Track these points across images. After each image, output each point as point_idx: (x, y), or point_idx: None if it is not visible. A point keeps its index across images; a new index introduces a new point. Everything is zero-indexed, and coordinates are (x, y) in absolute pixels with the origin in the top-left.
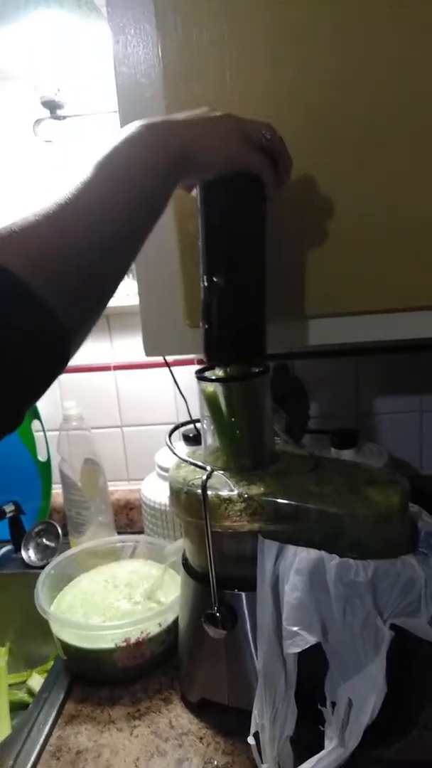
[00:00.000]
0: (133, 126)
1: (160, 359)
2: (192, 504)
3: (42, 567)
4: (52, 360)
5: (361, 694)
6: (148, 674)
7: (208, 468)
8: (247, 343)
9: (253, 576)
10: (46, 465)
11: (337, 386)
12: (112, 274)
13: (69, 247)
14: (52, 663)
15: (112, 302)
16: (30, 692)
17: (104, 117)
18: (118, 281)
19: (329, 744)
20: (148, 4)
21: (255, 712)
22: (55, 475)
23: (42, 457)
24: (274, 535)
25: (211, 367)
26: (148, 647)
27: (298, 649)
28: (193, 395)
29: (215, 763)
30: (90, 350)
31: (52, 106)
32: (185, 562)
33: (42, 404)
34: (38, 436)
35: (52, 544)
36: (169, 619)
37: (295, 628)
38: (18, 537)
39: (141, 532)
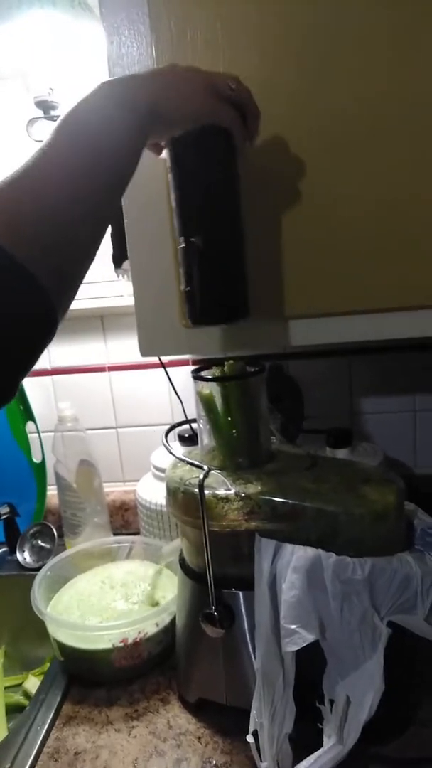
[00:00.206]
0: (97, 84)
1: (154, 360)
2: (189, 503)
3: (37, 569)
4: (40, 325)
5: (359, 692)
6: (146, 674)
7: (205, 467)
8: (230, 302)
9: (250, 575)
10: (41, 466)
11: (331, 386)
12: (88, 234)
13: (41, 211)
14: (48, 665)
15: (106, 303)
16: (26, 695)
17: None
18: (96, 241)
19: (328, 742)
20: (143, 5)
21: (253, 711)
22: (50, 477)
23: (37, 458)
24: (272, 534)
25: (206, 367)
26: (146, 647)
27: (296, 647)
28: (188, 395)
29: (214, 762)
30: (84, 351)
31: (45, 107)
32: (182, 562)
33: (36, 405)
34: (33, 437)
35: (48, 546)
36: (167, 619)
37: (293, 626)
38: (13, 539)
39: (137, 533)
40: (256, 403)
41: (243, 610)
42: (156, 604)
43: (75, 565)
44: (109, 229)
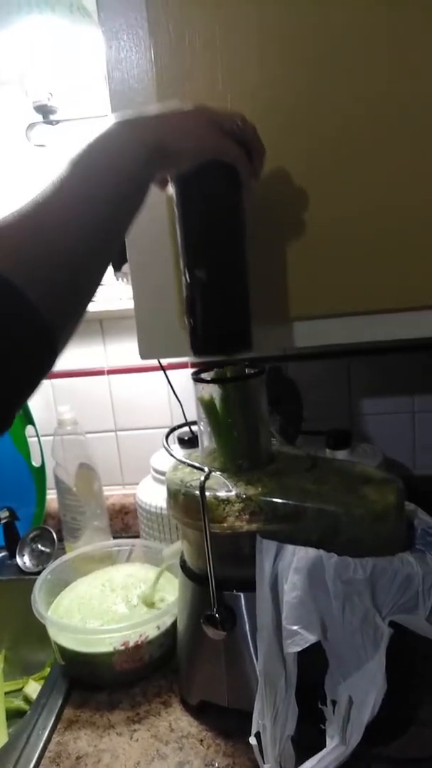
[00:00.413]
0: (108, 122)
1: (153, 363)
2: (190, 505)
3: (37, 573)
4: (39, 356)
5: (361, 692)
6: (147, 678)
7: (206, 469)
8: (232, 336)
9: (251, 576)
10: (41, 470)
11: (330, 388)
12: (93, 269)
13: (49, 244)
14: (48, 670)
15: (105, 306)
16: (26, 699)
17: (97, 122)
18: (100, 276)
19: (331, 742)
20: (141, 10)
21: (256, 713)
22: (50, 481)
23: (36, 462)
24: (273, 535)
25: (207, 369)
26: (147, 650)
27: (299, 648)
28: (187, 398)
29: (216, 765)
30: (83, 354)
31: (44, 111)
32: (183, 564)
33: (36, 409)
34: (32, 441)
35: (48, 550)
36: (168, 621)
37: (294, 627)
38: (13, 543)
39: (137, 536)
40: (256, 404)
41: (244, 612)
42: (157, 606)
43: (75, 568)
44: None
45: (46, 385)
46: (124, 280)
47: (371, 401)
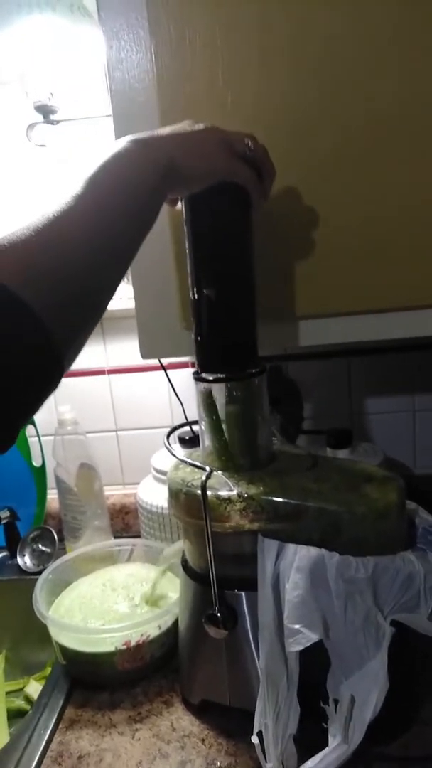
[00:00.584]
0: (121, 142)
1: (154, 362)
2: (191, 505)
3: (38, 573)
4: (45, 372)
5: (363, 691)
6: (149, 677)
7: (207, 468)
8: (239, 354)
9: (252, 576)
10: (41, 470)
11: (331, 387)
12: (103, 287)
13: (59, 261)
14: (49, 670)
15: None
16: (27, 699)
17: (98, 121)
18: (110, 293)
19: (333, 741)
20: (142, 10)
21: (258, 712)
22: (51, 481)
23: (37, 462)
24: (274, 534)
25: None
26: (148, 650)
27: (300, 647)
28: (188, 397)
29: (218, 764)
30: (84, 354)
31: (45, 111)
32: (185, 564)
33: None
34: (33, 441)
35: (48, 550)
36: (169, 621)
37: (296, 626)
38: (13, 543)
39: (137, 536)
40: (258, 403)
41: (246, 611)
42: (158, 606)
43: (76, 568)
44: None
45: None
46: (125, 280)
47: (372, 400)
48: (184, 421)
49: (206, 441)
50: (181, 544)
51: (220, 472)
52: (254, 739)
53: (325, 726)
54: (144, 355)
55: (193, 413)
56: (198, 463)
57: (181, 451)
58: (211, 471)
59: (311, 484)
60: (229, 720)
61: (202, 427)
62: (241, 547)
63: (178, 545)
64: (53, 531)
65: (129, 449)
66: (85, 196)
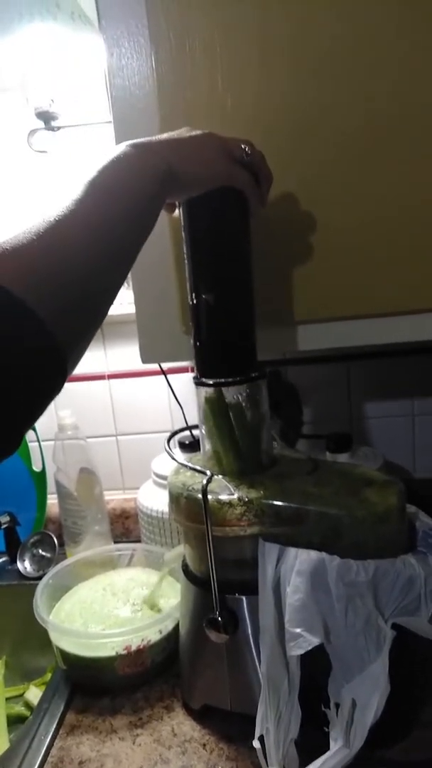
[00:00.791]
0: (120, 147)
1: (154, 367)
2: (192, 509)
3: (38, 578)
4: (48, 376)
5: (364, 695)
6: (149, 682)
7: (208, 472)
8: (238, 358)
9: (253, 580)
10: (41, 475)
11: (330, 391)
12: (105, 290)
13: (60, 265)
14: (49, 675)
15: None
16: (27, 705)
17: (98, 128)
18: (112, 297)
19: (334, 745)
20: (142, 17)
21: (259, 716)
22: (51, 485)
23: (37, 467)
24: (275, 538)
25: None
26: (149, 655)
27: (302, 651)
28: (188, 402)
29: None
30: (84, 359)
31: (46, 118)
32: (185, 568)
33: None
34: (33, 446)
35: (48, 555)
36: (170, 626)
37: (297, 630)
38: (13, 548)
39: (137, 541)
40: (258, 408)
41: (247, 615)
42: (159, 611)
43: (76, 573)
44: None
45: None
46: (126, 284)
47: (371, 404)
48: (184, 425)
49: (206, 445)
50: (182, 549)
51: (220, 477)
52: (256, 744)
53: (326, 730)
54: (144, 360)
55: (193, 418)
56: (199, 468)
57: (181, 456)
58: (212, 475)
59: (312, 488)
60: (230, 725)
61: (203, 431)
62: (241, 551)
63: (178, 550)
64: (53, 536)
65: (129, 454)
66: (85, 201)
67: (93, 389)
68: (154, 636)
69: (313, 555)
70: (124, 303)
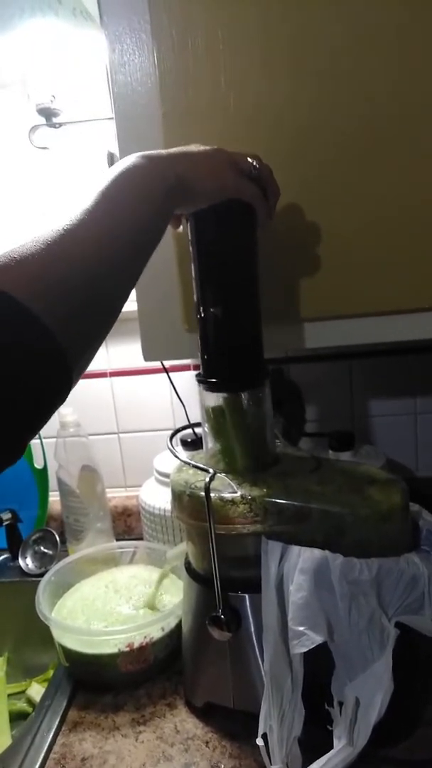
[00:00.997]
0: (131, 158)
1: (155, 365)
2: (195, 507)
3: (40, 575)
4: (54, 384)
5: (368, 693)
6: (152, 679)
7: (211, 470)
8: (245, 372)
9: (256, 577)
10: (43, 472)
11: (332, 390)
12: (112, 300)
13: (69, 274)
14: (51, 672)
15: None
16: (29, 702)
17: (100, 124)
18: (119, 306)
19: (338, 744)
20: (144, 14)
21: (262, 714)
22: (52, 483)
23: (39, 464)
24: (278, 536)
25: None
26: (152, 652)
27: (305, 649)
28: (191, 400)
29: (222, 766)
30: None
31: (47, 114)
32: (188, 566)
33: None
34: (35, 443)
35: (50, 552)
36: (172, 623)
37: (301, 628)
38: (15, 545)
39: (139, 538)
40: (262, 406)
41: (249, 613)
42: (158, 609)
43: (79, 570)
44: None
45: None
46: None
47: (373, 403)
48: (186, 423)
49: (209, 443)
50: (184, 547)
51: (223, 474)
52: (259, 742)
53: (329, 728)
54: (146, 358)
55: (195, 415)
56: (201, 465)
57: (183, 453)
58: (215, 473)
59: (315, 486)
60: (233, 722)
61: (205, 429)
62: (244, 549)
63: (180, 547)
64: (55, 533)
65: (131, 451)
66: (94, 211)
67: (95, 387)
68: (156, 633)
69: (316, 553)
70: None
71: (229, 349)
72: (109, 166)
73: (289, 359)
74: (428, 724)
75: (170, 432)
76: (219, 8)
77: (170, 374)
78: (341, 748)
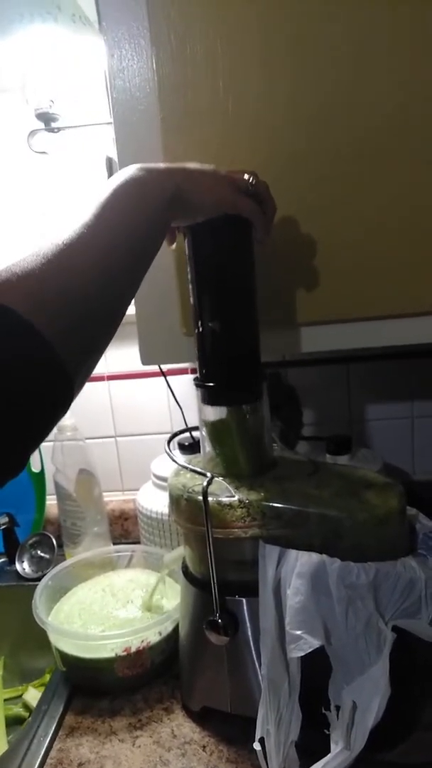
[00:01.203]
0: (130, 169)
1: (153, 369)
2: (192, 511)
3: (37, 579)
4: (55, 398)
5: (365, 697)
6: (149, 684)
7: (209, 474)
8: (242, 386)
9: (253, 582)
10: (40, 476)
11: (330, 393)
12: (112, 312)
13: (69, 287)
14: (48, 676)
15: None
16: (26, 707)
17: (98, 129)
18: (119, 318)
19: (335, 748)
20: (143, 20)
21: (260, 718)
22: (50, 486)
23: (36, 468)
24: (275, 540)
25: None
26: (149, 656)
27: (302, 653)
28: (188, 403)
29: None
30: None
31: (46, 119)
32: (185, 570)
33: None
34: None
35: (47, 556)
36: (169, 627)
37: (298, 632)
38: (12, 549)
39: (136, 542)
40: (259, 411)
41: (247, 617)
42: (158, 612)
43: (76, 574)
44: None
45: None
46: None
47: (370, 407)
48: (184, 427)
49: (206, 447)
50: (181, 550)
51: (221, 478)
52: (256, 746)
53: (327, 732)
54: (144, 362)
55: (193, 419)
56: (199, 469)
57: (181, 457)
58: (213, 477)
59: (312, 490)
60: (230, 727)
61: (203, 433)
62: (242, 553)
63: (178, 551)
64: (52, 537)
65: (128, 455)
66: (94, 224)
67: (92, 390)
68: (153, 637)
69: (313, 557)
70: None
71: (228, 362)
72: (108, 172)
73: (287, 363)
74: (425, 727)
75: (168, 436)
76: (217, 14)
77: (168, 378)
78: (338, 752)
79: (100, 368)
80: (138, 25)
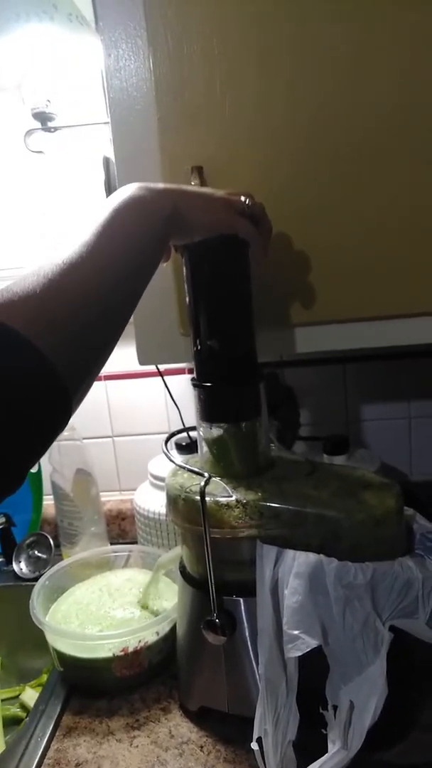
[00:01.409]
0: (129, 188)
1: (150, 369)
2: (190, 510)
3: (34, 579)
4: (54, 415)
5: (362, 697)
6: (147, 684)
7: (206, 474)
8: (239, 405)
9: (251, 581)
10: (37, 476)
11: (327, 394)
12: (111, 331)
13: (70, 308)
14: (45, 677)
15: None
16: (23, 707)
17: (95, 129)
18: (117, 336)
19: (332, 747)
20: (140, 20)
21: (257, 718)
22: (46, 487)
23: (33, 468)
24: (273, 540)
25: None
26: (146, 656)
27: (300, 653)
28: (185, 403)
29: None
30: None
31: (42, 118)
32: (183, 570)
33: None
34: None
35: (44, 556)
36: (167, 627)
37: (295, 632)
38: (9, 549)
39: (134, 542)
40: (257, 411)
41: (244, 617)
42: (156, 612)
43: (73, 574)
44: None
45: None
46: None
47: (367, 407)
48: (181, 427)
49: (204, 447)
50: (178, 550)
51: (218, 478)
52: (254, 746)
53: (324, 732)
54: (142, 362)
55: (190, 419)
56: (196, 469)
57: (178, 457)
58: (210, 477)
59: (310, 490)
60: (227, 726)
61: (200, 433)
62: (239, 553)
63: (175, 551)
64: (49, 537)
65: (125, 455)
66: (96, 245)
67: (89, 390)
68: (151, 637)
69: (311, 557)
70: None
71: (226, 379)
72: (105, 171)
73: (284, 363)
74: (423, 727)
75: (165, 435)
76: (215, 14)
77: (165, 378)
78: (336, 752)
79: None
80: (135, 24)
